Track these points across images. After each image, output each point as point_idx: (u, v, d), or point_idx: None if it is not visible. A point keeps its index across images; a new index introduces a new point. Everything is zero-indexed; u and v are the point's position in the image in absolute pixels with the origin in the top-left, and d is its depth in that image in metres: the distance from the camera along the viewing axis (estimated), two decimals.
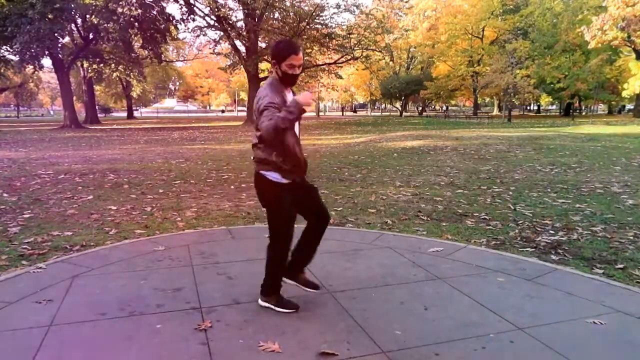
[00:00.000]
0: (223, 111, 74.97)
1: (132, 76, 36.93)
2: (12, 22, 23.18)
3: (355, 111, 75.69)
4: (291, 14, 29.21)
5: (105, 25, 26.14)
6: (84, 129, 28.34)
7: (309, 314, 2.84)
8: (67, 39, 30.23)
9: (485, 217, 5.33)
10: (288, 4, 29.66)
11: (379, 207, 5.87)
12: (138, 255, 3.90)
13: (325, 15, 29.84)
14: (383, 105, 72.33)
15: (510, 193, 6.76)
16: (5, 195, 6.78)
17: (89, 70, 35.57)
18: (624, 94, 32.87)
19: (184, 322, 2.72)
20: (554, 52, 38.72)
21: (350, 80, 55.32)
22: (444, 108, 71.22)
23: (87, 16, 27.50)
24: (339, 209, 5.76)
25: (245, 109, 49.82)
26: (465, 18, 44.53)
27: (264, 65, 33.04)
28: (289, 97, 2.71)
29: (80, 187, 7.39)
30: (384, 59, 44.84)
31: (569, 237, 4.49)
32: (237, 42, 30.84)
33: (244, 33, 29.70)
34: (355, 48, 31.81)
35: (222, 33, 30.30)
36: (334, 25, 30.95)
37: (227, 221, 5.17)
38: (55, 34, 24.72)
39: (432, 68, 51.64)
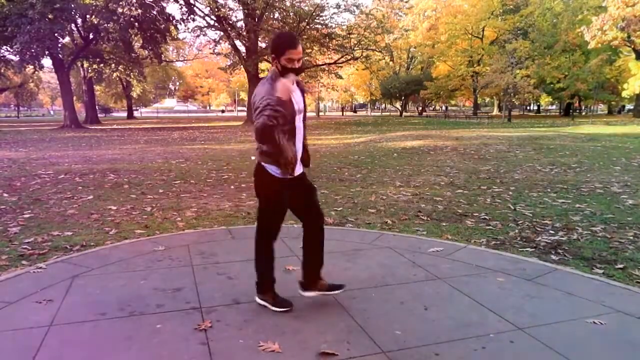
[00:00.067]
0: (223, 111, 74.99)
1: (132, 76, 36.97)
2: (12, 22, 23.19)
3: (355, 111, 75.70)
4: (291, 14, 29.21)
5: (105, 25, 26.16)
6: (84, 129, 28.35)
7: (309, 314, 2.84)
8: (67, 39, 30.25)
9: (485, 217, 5.33)
10: (288, 4, 29.66)
11: (379, 207, 5.87)
12: (138, 255, 3.90)
13: (325, 15, 29.85)
14: (383, 105, 72.33)
15: (510, 193, 6.76)
16: (5, 195, 6.78)
17: (89, 70, 35.58)
18: (624, 94, 32.86)
19: (184, 322, 2.72)
20: (554, 52, 38.71)
21: (350, 80, 55.32)
22: (444, 108, 71.23)
23: (87, 16, 27.52)
24: (339, 209, 5.76)
25: (245, 109, 49.87)
26: (465, 18, 44.53)
27: (264, 65, 33.03)
28: (296, 90, 2.70)
29: (80, 187, 7.40)
30: (384, 59, 44.84)
31: (569, 237, 4.49)
32: (237, 42, 30.85)
33: (244, 33, 29.70)
34: (355, 48, 31.81)
35: (222, 33, 30.30)
36: (334, 25, 30.96)
37: (227, 221, 5.17)
38: (55, 34, 24.73)
39: (432, 68, 51.64)
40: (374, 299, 3.05)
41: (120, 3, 25.19)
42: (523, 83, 34.08)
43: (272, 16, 30.86)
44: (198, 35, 34.04)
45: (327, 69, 34.24)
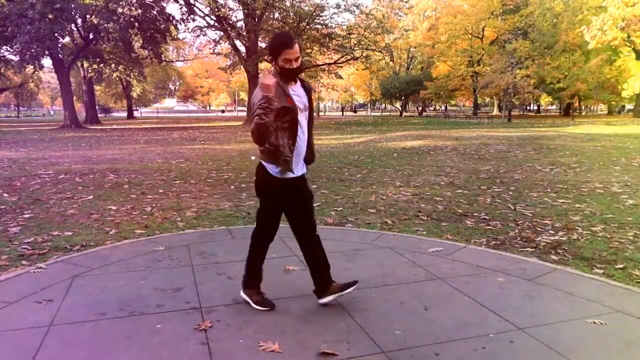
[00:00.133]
0: (223, 111, 75.00)
1: (132, 76, 36.98)
2: (13, 22, 23.19)
3: (355, 111, 75.67)
4: (291, 14, 29.19)
5: (106, 25, 26.16)
6: (84, 129, 28.34)
7: (309, 314, 2.84)
8: (67, 39, 30.26)
9: (485, 217, 5.33)
10: (288, 4, 29.64)
11: (379, 207, 5.87)
12: (138, 255, 3.90)
13: (325, 15, 29.83)
14: (383, 105, 72.31)
15: (510, 193, 6.76)
16: (5, 195, 6.78)
17: (89, 70, 35.59)
18: (624, 94, 32.89)
19: (184, 322, 2.72)
20: (554, 52, 38.69)
21: (350, 80, 55.29)
22: (443, 108, 71.23)
23: (87, 16, 27.52)
24: (339, 209, 5.75)
25: (245, 109, 49.85)
26: (465, 18, 44.51)
27: (264, 65, 32.99)
28: (295, 90, 2.69)
29: (80, 187, 7.39)
30: (384, 59, 44.81)
31: (569, 237, 4.49)
32: (237, 42, 30.82)
33: (244, 33, 29.68)
34: (355, 48, 31.79)
35: (222, 33, 30.27)
36: (334, 25, 30.94)
37: (227, 221, 5.17)
38: (56, 34, 24.74)
39: (432, 68, 51.63)
40: (374, 299, 3.05)
41: (120, 3, 25.19)
42: (523, 83, 34.08)
43: (272, 16, 30.83)
44: (198, 35, 34.07)
45: (327, 69, 34.22)
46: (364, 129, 26.90)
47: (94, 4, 26.45)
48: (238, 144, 16.09)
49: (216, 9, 28.15)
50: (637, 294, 3.15)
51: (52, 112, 71.94)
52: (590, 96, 38.48)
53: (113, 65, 33.97)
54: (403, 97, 53.74)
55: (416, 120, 41.30)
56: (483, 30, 45.88)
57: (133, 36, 29.84)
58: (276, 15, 30.90)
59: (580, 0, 37.44)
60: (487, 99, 63.50)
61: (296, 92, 2.69)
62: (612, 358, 2.39)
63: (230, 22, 30.02)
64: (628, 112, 50.85)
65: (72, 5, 25.14)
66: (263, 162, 2.72)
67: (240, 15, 30.55)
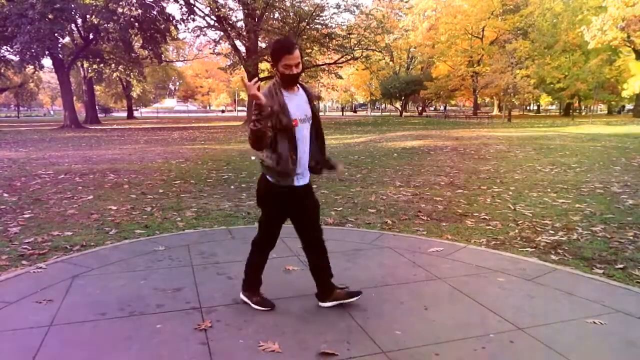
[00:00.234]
0: (223, 111, 75.00)
1: (132, 76, 36.98)
2: (13, 22, 23.19)
3: (355, 111, 75.66)
4: (291, 14, 29.18)
5: (106, 25, 26.16)
6: (84, 129, 28.34)
7: (309, 314, 2.84)
8: (67, 39, 30.26)
9: (485, 217, 5.33)
10: (288, 4, 29.63)
11: (379, 207, 5.87)
12: (138, 255, 3.90)
13: (325, 16, 29.80)
14: (383, 105, 72.32)
15: (510, 193, 6.76)
16: (5, 195, 6.78)
17: (89, 70, 35.58)
18: (624, 94, 32.87)
19: (184, 322, 2.72)
20: (554, 52, 38.68)
21: (350, 80, 55.26)
22: (442, 108, 71.23)
23: (87, 16, 27.51)
24: (339, 209, 5.76)
25: (245, 109, 49.81)
26: (465, 18, 44.50)
27: (263, 65, 33.00)
28: (299, 98, 2.67)
29: (80, 187, 7.39)
30: (384, 59, 44.75)
31: (569, 237, 4.49)
32: (237, 42, 30.82)
33: (244, 33, 29.67)
34: (355, 48, 31.77)
35: (222, 33, 30.26)
36: (334, 26, 30.92)
37: (227, 221, 5.17)
38: (56, 34, 24.74)
39: (432, 68, 51.62)
40: (374, 299, 3.05)
41: (120, 3, 25.20)
42: (523, 83, 34.05)
43: (272, 16, 30.83)
44: (198, 35, 34.05)
45: (327, 69, 34.20)
46: (364, 128, 26.90)
47: (94, 4, 26.45)
48: (238, 144, 16.09)
49: (216, 9, 28.15)
50: (637, 294, 3.15)
51: (52, 112, 71.93)
52: (590, 96, 38.50)
53: (113, 65, 33.96)
54: (403, 97, 53.72)
55: (416, 120, 41.29)
56: (483, 30, 45.86)
57: (133, 36, 29.84)
58: (276, 15, 30.90)
59: (580, 0, 37.46)
60: (487, 99, 63.49)
61: (296, 100, 2.65)
62: (612, 358, 2.39)
63: (230, 22, 30.02)
64: (628, 112, 50.86)
65: (72, 5, 25.13)
66: (264, 171, 2.72)
67: (240, 15, 30.56)
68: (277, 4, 28.29)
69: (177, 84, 75.28)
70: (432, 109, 72.22)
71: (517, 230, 4.76)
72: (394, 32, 42.63)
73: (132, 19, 26.43)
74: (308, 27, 28.60)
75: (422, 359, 2.34)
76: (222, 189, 7.27)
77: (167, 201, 6.31)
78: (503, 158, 10.98)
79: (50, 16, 23.57)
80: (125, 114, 53.45)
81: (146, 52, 32.89)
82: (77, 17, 27.67)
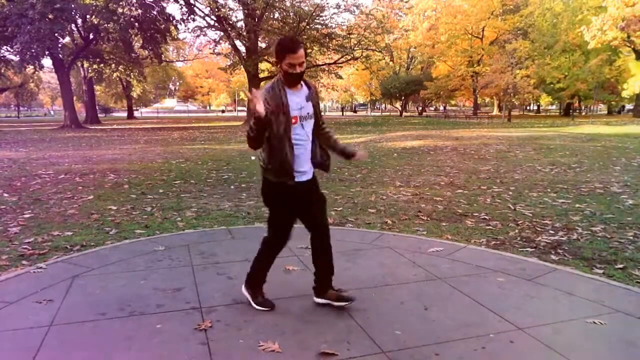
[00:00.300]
0: (223, 111, 75.00)
1: (132, 76, 37.00)
2: (13, 22, 23.19)
3: (355, 111, 75.65)
4: (291, 14, 29.17)
5: (106, 25, 26.18)
6: (84, 129, 28.35)
7: (309, 314, 2.84)
8: (67, 39, 30.27)
9: (485, 217, 5.33)
10: (288, 4, 29.62)
11: (379, 207, 5.87)
12: (138, 255, 3.90)
13: (325, 16, 29.79)
14: (383, 105, 72.32)
15: (510, 193, 6.76)
16: (5, 195, 6.78)
17: (89, 70, 35.60)
18: (624, 94, 32.87)
19: (184, 322, 2.72)
20: (554, 52, 38.68)
21: (350, 80, 55.25)
22: (442, 108, 71.22)
23: (88, 16, 27.53)
24: (339, 209, 5.76)
25: (245, 109, 49.85)
26: (465, 18, 44.51)
27: (264, 65, 32.99)
28: (301, 96, 2.67)
29: (80, 187, 7.40)
30: (384, 59, 44.77)
31: (569, 237, 4.49)
32: (237, 42, 30.80)
33: (244, 33, 29.66)
34: (355, 48, 31.76)
35: (222, 33, 30.26)
36: (334, 26, 30.90)
37: (227, 221, 5.17)
38: (56, 34, 24.74)
39: (432, 68, 51.63)
40: (374, 299, 3.05)
41: (121, 3, 25.20)
42: (523, 83, 34.06)
43: (272, 16, 30.81)
44: (198, 36, 34.03)
45: (327, 69, 34.18)
46: (364, 128, 26.90)
47: (94, 4, 26.46)
48: (238, 144, 16.08)
49: (216, 9, 28.14)
50: (637, 294, 3.15)
51: (52, 112, 71.93)
52: (590, 96, 38.51)
53: (113, 65, 33.98)
54: (403, 97, 53.73)
55: (416, 120, 41.29)
56: (483, 31, 45.87)
57: (133, 36, 29.86)
58: (276, 15, 30.87)
59: (580, 0, 37.46)
60: (487, 99, 63.49)
61: (298, 97, 2.66)
62: (612, 358, 2.39)
63: (230, 22, 30.00)
64: (628, 112, 50.84)
65: (72, 5, 25.14)
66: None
67: (240, 15, 30.54)
68: (277, 4, 28.27)
69: (177, 84, 75.27)
70: (432, 109, 72.22)
71: (517, 230, 4.76)
72: (394, 32, 42.66)
73: (132, 19, 26.44)
74: (308, 27, 28.59)
75: (422, 359, 2.34)
76: (222, 189, 7.28)
77: (167, 201, 6.31)
78: (503, 158, 10.98)
79: (50, 16, 23.58)
80: (125, 114, 53.45)
81: (146, 52, 32.92)
82: (77, 17, 27.68)
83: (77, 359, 2.35)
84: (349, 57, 32.56)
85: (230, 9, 30.05)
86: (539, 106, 65.41)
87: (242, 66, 31.32)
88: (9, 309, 2.89)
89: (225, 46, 33.57)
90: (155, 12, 28.16)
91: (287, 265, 3.62)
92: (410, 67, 57.07)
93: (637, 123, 28.11)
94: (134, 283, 3.31)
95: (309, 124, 2.72)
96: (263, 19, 29.26)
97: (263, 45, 30.63)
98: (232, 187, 7.42)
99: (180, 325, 2.67)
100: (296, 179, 2.68)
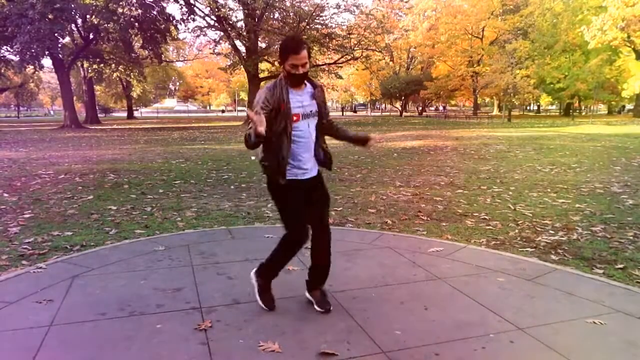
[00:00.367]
0: (223, 111, 75.00)
1: (132, 76, 36.99)
2: (13, 22, 23.19)
3: (355, 111, 75.66)
4: (291, 14, 29.17)
5: (106, 25, 26.17)
6: (84, 129, 28.34)
7: (309, 314, 2.84)
8: (67, 39, 30.27)
9: (485, 217, 5.33)
10: (288, 4, 29.62)
11: (379, 207, 5.87)
12: (138, 255, 3.90)
13: (325, 16, 29.80)
14: (383, 105, 72.32)
15: (510, 193, 6.76)
16: (5, 195, 6.78)
17: (89, 70, 35.60)
18: (624, 94, 32.93)
19: (184, 322, 2.72)
20: (554, 52, 38.70)
21: (350, 80, 55.27)
22: (442, 108, 71.22)
23: (87, 16, 27.52)
24: (339, 209, 5.75)
25: (245, 109, 49.81)
26: (465, 18, 44.53)
27: (264, 65, 33.00)
28: (304, 95, 2.67)
29: (80, 187, 7.40)
30: (384, 59, 44.77)
31: (569, 237, 4.49)
32: (237, 42, 30.80)
33: (244, 33, 29.66)
34: (355, 48, 31.76)
35: (222, 33, 30.26)
36: (334, 26, 30.90)
37: (227, 221, 5.17)
38: (56, 34, 24.74)
39: (432, 68, 51.64)
40: (374, 299, 3.05)
41: (121, 3, 25.20)
42: (523, 83, 34.08)
43: (272, 16, 30.81)
44: (198, 36, 34.04)
45: (327, 69, 34.18)
46: (364, 128, 26.89)
47: (94, 4, 26.45)
48: (238, 144, 16.08)
49: (216, 9, 28.14)
50: (637, 294, 3.15)
51: (52, 112, 71.94)
52: (590, 96, 38.51)
53: (113, 65, 33.98)
54: (403, 97, 53.73)
55: (416, 120, 41.29)
56: (483, 31, 45.88)
57: (133, 36, 29.85)
58: (276, 15, 30.88)
59: (580, 0, 37.47)
60: (487, 99, 63.50)
61: (301, 96, 2.66)
62: (612, 358, 2.39)
63: (230, 22, 30.00)
64: (628, 112, 50.88)
65: (72, 5, 25.13)
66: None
67: (240, 15, 30.54)
68: (277, 4, 28.27)
69: (177, 84, 75.29)
70: (432, 109, 72.22)
71: (517, 230, 4.76)
72: (394, 32, 42.67)
73: (132, 19, 26.43)
74: (308, 27, 28.59)
75: (422, 359, 2.34)
76: (222, 189, 7.27)
77: (167, 201, 6.31)
78: (503, 158, 10.99)
79: (50, 16, 23.57)
80: (125, 114, 53.45)
81: (146, 52, 32.92)
82: (77, 17, 27.68)
83: (77, 359, 2.35)
84: (349, 57, 32.56)
85: (230, 9, 30.05)
86: (539, 106, 65.42)
87: (242, 66, 31.33)
88: (9, 309, 2.89)
89: (225, 46, 33.59)
90: (155, 12, 28.16)
91: (287, 265, 3.61)
92: (410, 67, 57.06)
93: (637, 123, 28.11)
94: (134, 283, 3.31)
95: (313, 122, 2.73)
96: (263, 19, 29.26)
97: (263, 45, 30.64)
98: (232, 187, 7.42)
99: (180, 325, 2.67)
100: (299, 177, 2.70)
